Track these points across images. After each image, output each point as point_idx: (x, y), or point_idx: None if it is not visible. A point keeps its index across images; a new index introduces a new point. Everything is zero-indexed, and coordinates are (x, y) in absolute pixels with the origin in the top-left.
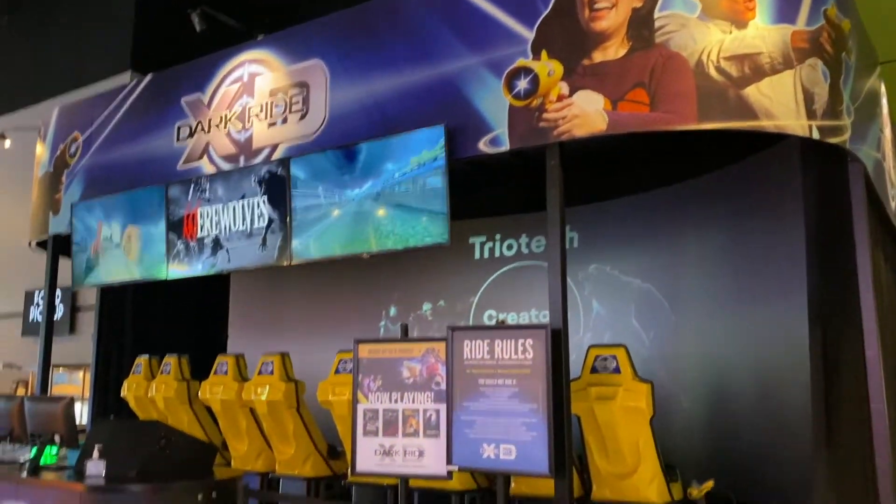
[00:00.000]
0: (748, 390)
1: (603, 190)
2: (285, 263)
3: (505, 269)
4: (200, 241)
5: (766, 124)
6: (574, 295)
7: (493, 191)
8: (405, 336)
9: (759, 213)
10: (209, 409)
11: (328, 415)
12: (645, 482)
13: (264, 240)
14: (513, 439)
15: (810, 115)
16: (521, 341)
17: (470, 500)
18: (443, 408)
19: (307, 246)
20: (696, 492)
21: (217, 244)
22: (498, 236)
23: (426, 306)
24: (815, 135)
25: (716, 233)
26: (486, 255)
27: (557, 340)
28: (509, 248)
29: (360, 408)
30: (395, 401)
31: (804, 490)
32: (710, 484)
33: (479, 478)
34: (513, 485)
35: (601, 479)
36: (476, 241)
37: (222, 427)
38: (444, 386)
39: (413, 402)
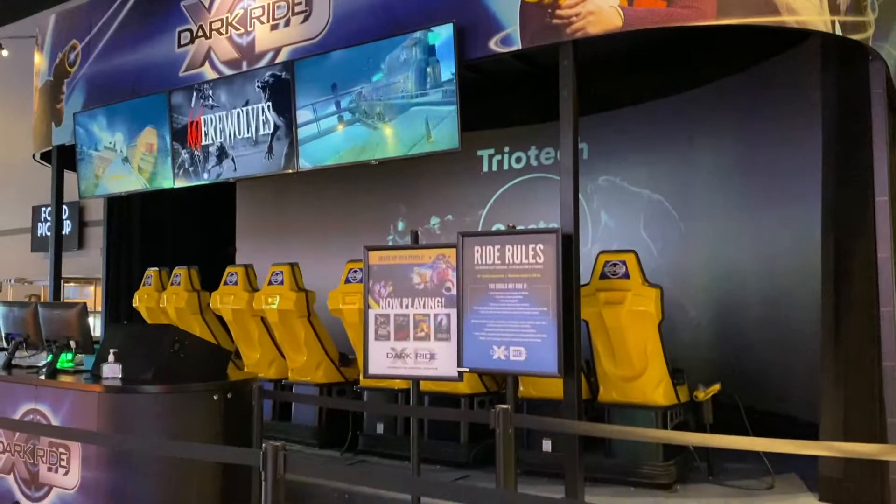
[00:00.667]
0: (757, 299)
1: (614, 99)
2: (291, 171)
3: (514, 181)
4: (205, 149)
5: (787, 20)
6: (583, 207)
7: (501, 102)
8: (416, 243)
9: (773, 118)
10: (220, 319)
11: (338, 324)
12: (652, 385)
13: (270, 147)
14: (522, 341)
15: (833, 9)
16: (531, 246)
17: (479, 403)
18: (453, 312)
19: (314, 153)
20: (703, 395)
21: (222, 152)
22: (506, 149)
23: (434, 220)
24: (838, 30)
25: (728, 141)
26: (495, 167)
27: (568, 244)
28: (518, 160)
29: (372, 313)
30: (406, 306)
31: (811, 396)
32: (716, 387)
33: (487, 381)
34: (521, 388)
35: (608, 382)
36: (484, 153)
37: (234, 336)
38: (454, 291)
39: (424, 307)
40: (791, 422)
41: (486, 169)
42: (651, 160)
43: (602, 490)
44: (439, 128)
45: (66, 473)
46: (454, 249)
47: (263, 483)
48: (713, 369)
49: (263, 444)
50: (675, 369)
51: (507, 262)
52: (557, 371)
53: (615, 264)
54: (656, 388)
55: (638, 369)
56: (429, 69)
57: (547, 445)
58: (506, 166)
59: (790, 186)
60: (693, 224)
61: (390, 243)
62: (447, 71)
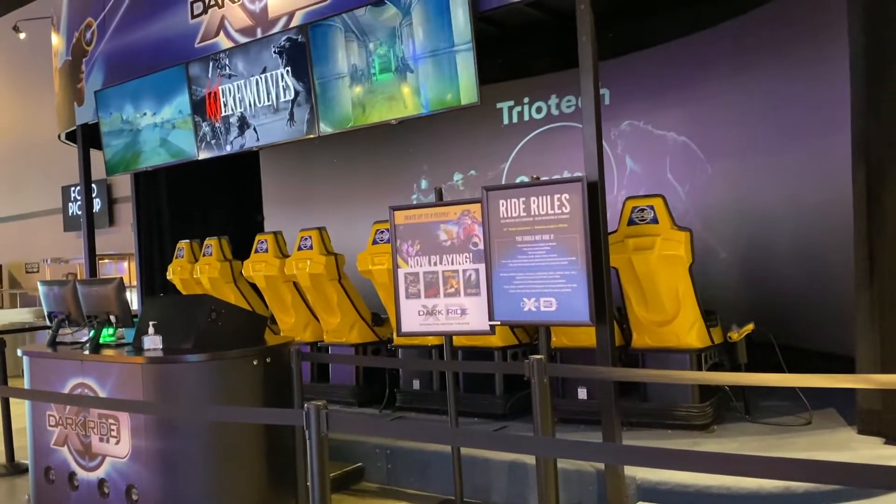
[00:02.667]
0: (787, 236)
1: (633, 42)
2: (313, 136)
3: (535, 132)
4: (226, 119)
5: None
6: (607, 153)
7: (518, 52)
8: (440, 200)
9: (797, 50)
10: (254, 287)
11: (369, 285)
12: (685, 328)
13: (291, 114)
14: (553, 292)
15: None
16: (556, 196)
17: (512, 356)
18: (482, 267)
19: (335, 116)
20: (736, 335)
21: (243, 122)
22: (526, 99)
23: (457, 176)
24: None
25: (752, 77)
26: (515, 119)
27: (594, 192)
28: (538, 110)
29: (401, 272)
30: (435, 263)
31: (846, 330)
32: (750, 327)
33: (519, 334)
34: (554, 338)
35: (641, 327)
36: (504, 105)
37: (268, 302)
38: (481, 246)
39: (452, 263)
40: (827, 357)
41: (506, 121)
42: (674, 102)
43: (639, 434)
44: (457, 82)
45: (118, 443)
46: (479, 204)
47: (308, 441)
48: (746, 309)
49: (305, 405)
50: (707, 311)
51: (532, 213)
52: (589, 319)
53: (643, 210)
54: (689, 330)
55: (670, 313)
56: (443, 22)
57: (582, 393)
58: (526, 117)
59: (817, 120)
60: (719, 164)
61: (414, 202)
62: (462, 23)
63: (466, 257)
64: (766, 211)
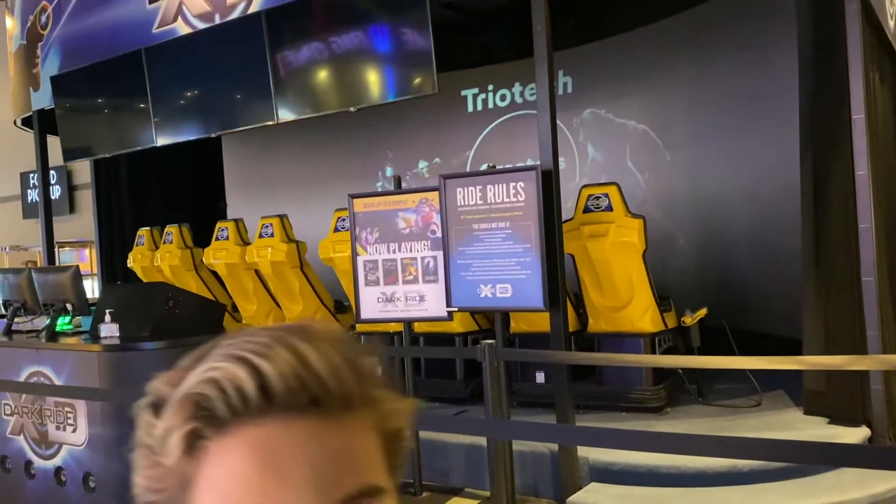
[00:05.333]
0: (741, 223)
1: (596, 30)
2: (272, 123)
3: (500, 120)
4: (185, 105)
5: None
6: (569, 141)
7: (482, 39)
8: (398, 188)
9: (751, 41)
10: (215, 274)
11: (331, 272)
12: (639, 313)
13: (251, 99)
14: (508, 278)
15: None
16: (512, 184)
17: (472, 341)
18: (440, 254)
19: (293, 103)
20: (689, 319)
21: (203, 108)
22: (490, 87)
23: (422, 164)
24: None
25: (709, 67)
26: (480, 107)
27: (548, 180)
28: (503, 98)
29: (360, 260)
30: (393, 251)
31: (795, 314)
32: (702, 312)
33: (479, 320)
34: (513, 323)
35: (597, 312)
36: (468, 93)
37: (230, 290)
38: (439, 233)
39: (410, 250)
40: (777, 340)
41: (470, 109)
42: (635, 90)
43: (594, 416)
44: (415, 70)
45: (74, 431)
46: (437, 192)
47: None
48: (702, 294)
49: None
50: (661, 297)
51: (489, 201)
52: (543, 305)
53: (598, 197)
54: (643, 315)
55: (624, 299)
56: (401, 8)
57: (540, 377)
58: (490, 105)
59: (770, 109)
60: (678, 152)
61: (379, 189)
62: (420, 7)
63: (425, 245)
64: (722, 198)
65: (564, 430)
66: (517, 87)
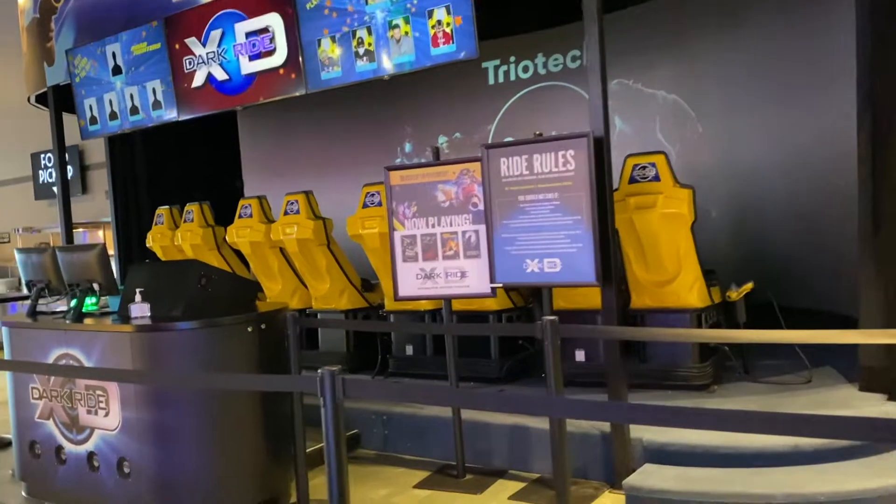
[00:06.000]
0: (781, 195)
1: None
2: (301, 93)
3: (522, 92)
4: (207, 76)
5: None
6: None
7: (504, 10)
8: (437, 159)
9: (796, 5)
10: (238, 254)
11: (357, 250)
12: (686, 287)
13: (277, 69)
14: (557, 252)
15: None
16: (561, 153)
17: (507, 319)
18: (482, 228)
19: (322, 72)
20: (735, 294)
21: (226, 79)
22: (512, 58)
23: (442, 139)
24: None
25: (746, 32)
26: (501, 79)
27: (600, 147)
28: (525, 70)
29: (397, 235)
30: (433, 225)
31: (845, 290)
32: (749, 286)
33: (514, 297)
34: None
35: (641, 288)
36: (489, 65)
37: (254, 269)
38: (481, 206)
39: (451, 224)
40: (820, 316)
41: (491, 81)
42: (665, 59)
43: (640, 395)
44: (455, 37)
45: (107, 415)
46: (479, 163)
47: (323, 409)
48: (737, 269)
49: (319, 370)
50: (706, 270)
51: (535, 171)
52: (595, 279)
53: (644, 167)
54: (690, 290)
55: (671, 273)
56: None
57: (580, 356)
58: (512, 77)
59: (815, 73)
60: (711, 122)
61: None
62: None
63: (466, 218)
64: (758, 170)
65: (628, 409)
66: (540, 58)
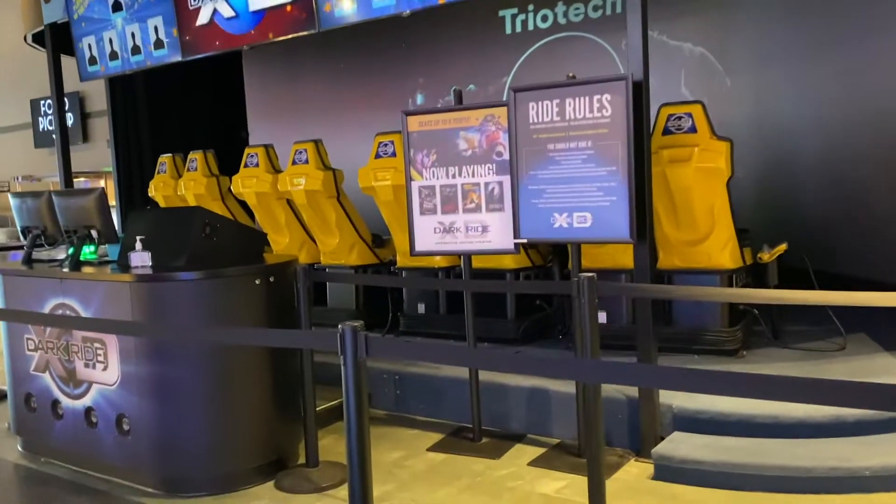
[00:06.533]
0: (814, 154)
1: None
2: (313, 31)
3: (540, 43)
4: (212, 16)
5: None
6: (616, 66)
7: None
8: (459, 104)
9: None
10: (243, 205)
11: (367, 204)
12: (718, 247)
13: (287, 5)
14: (588, 206)
15: None
16: (596, 97)
17: (524, 277)
18: (506, 179)
19: (336, 8)
20: (767, 256)
21: (233, 17)
22: (531, 7)
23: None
24: None
25: None
26: (519, 28)
27: (639, 93)
28: (544, 19)
29: (415, 185)
30: (453, 175)
31: (880, 256)
32: (783, 247)
33: (533, 255)
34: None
35: (670, 247)
36: (506, 13)
37: (260, 221)
38: (507, 155)
39: (473, 175)
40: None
41: (508, 31)
42: (692, 9)
43: (665, 359)
44: None
45: (105, 369)
46: (505, 108)
47: (343, 368)
48: (764, 231)
49: (339, 326)
50: (740, 229)
51: (567, 118)
52: (629, 236)
53: (680, 118)
54: (723, 250)
55: (703, 231)
56: None
57: (602, 318)
58: (531, 26)
59: (851, 26)
60: (740, 76)
61: None
62: None
63: (489, 168)
64: (790, 127)
65: (661, 373)
66: (560, 7)
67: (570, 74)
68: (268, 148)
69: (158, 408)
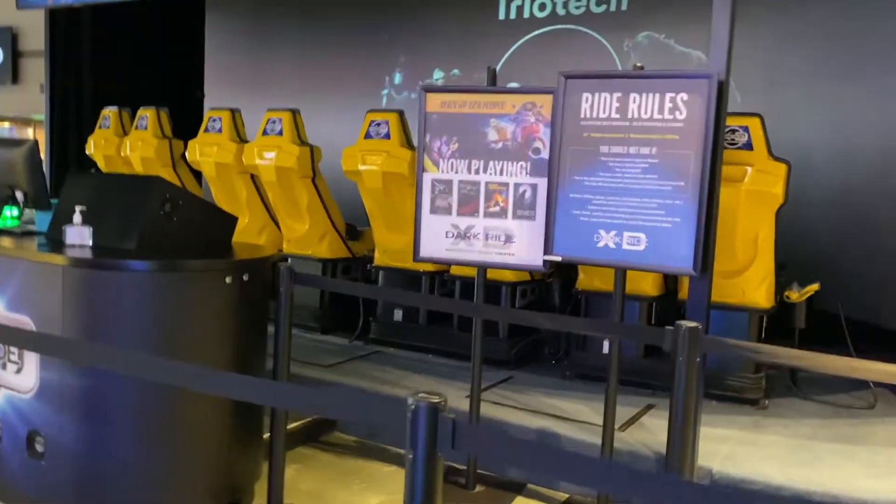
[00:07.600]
0: (828, 184)
1: None
2: None
3: (535, 33)
4: None
5: None
6: (616, 68)
7: None
8: (494, 85)
9: None
10: (197, 175)
11: (345, 189)
12: (755, 283)
13: None
14: (644, 225)
15: None
16: (669, 96)
17: (521, 293)
18: (542, 182)
19: None
20: (796, 295)
21: None
22: None
23: (437, 74)
24: None
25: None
26: (513, 14)
27: (721, 97)
28: (542, 8)
29: (428, 177)
30: (477, 171)
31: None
32: (814, 287)
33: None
34: (581, 276)
35: None
36: None
37: (216, 196)
38: (546, 154)
39: (501, 173)
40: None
41: (502, 16)
42: (704, 16)
43: None
44: None
45: (19, 371)
46: (549, 97)
47: (410, 465)
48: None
49: (410, 401)
50: (779, 263)
51: (630, 116)
52: (693, 267)
53: (734, 131)
54: (759, 287)
55: (742, 263)
56: None
57: (608, 348)
58: (526, 14)
59: (882, 51)
60: (751, 95)
61: (385, 99)
62: None
63: (522, 167)
64: (802, 153)
65: None
66: None
67: (638, 65)
68: (234, 112)
69: (84, 429)
